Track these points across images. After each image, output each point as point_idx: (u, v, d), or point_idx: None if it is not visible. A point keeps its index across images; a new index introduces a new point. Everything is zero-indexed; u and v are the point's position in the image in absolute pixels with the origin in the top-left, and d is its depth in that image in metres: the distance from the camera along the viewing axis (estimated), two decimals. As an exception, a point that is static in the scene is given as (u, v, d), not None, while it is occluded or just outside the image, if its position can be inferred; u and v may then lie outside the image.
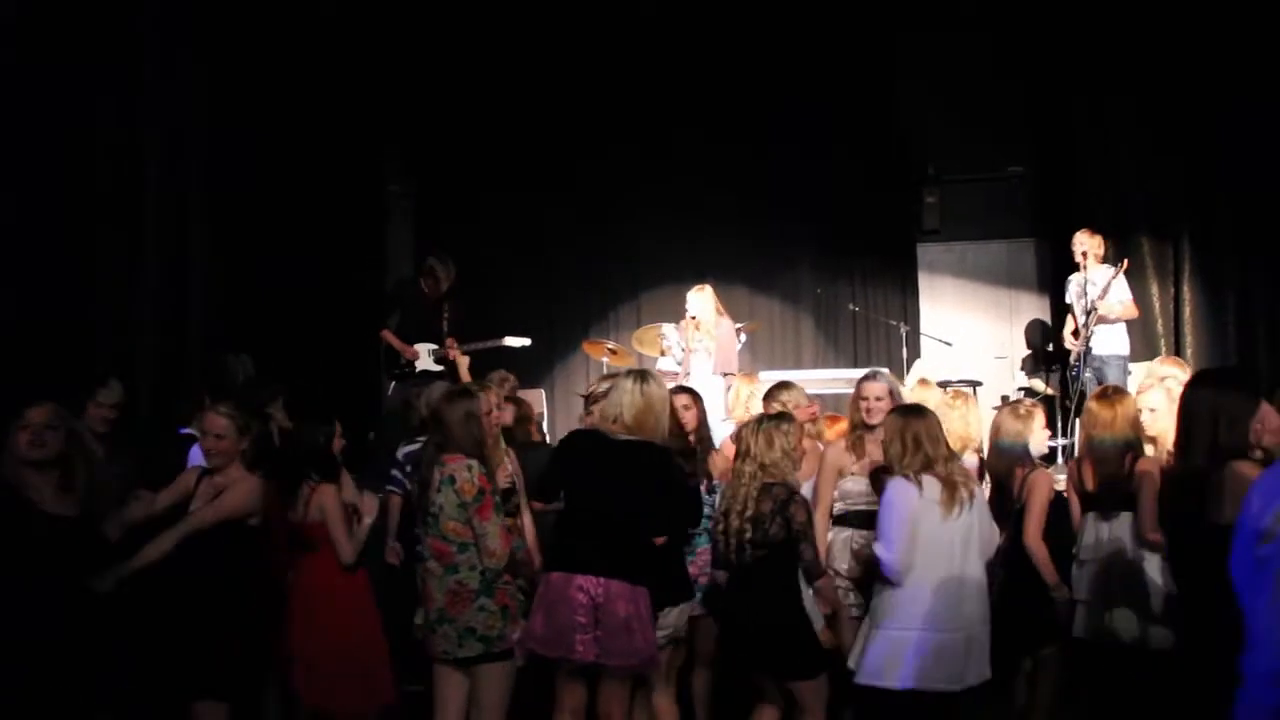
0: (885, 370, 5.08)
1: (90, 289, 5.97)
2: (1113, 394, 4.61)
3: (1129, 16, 8.16)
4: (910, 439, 4.05)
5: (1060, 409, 7.78)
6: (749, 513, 4.05)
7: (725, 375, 7.26)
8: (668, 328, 7.82)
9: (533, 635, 3.98)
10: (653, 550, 4.08)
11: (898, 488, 4.04)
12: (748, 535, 4.04)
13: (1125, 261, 7.50)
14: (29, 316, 5.48)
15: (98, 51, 5.95)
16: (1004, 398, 8.81)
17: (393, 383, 7.76)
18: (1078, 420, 7.16)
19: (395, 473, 5.21)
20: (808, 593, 4.14)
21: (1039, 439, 4.70)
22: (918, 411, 4.25)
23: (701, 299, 7.48)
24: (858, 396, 4.72)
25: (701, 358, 7.39)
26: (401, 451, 5.24)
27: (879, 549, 4.02)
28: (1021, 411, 4.69)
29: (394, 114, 9.47)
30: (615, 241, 9.98)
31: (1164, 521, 3.84)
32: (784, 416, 4.35)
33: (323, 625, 4.38)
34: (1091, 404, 4.61)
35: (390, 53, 9.02)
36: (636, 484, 3.97)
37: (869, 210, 9.64)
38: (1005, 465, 4.64)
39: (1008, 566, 4.43)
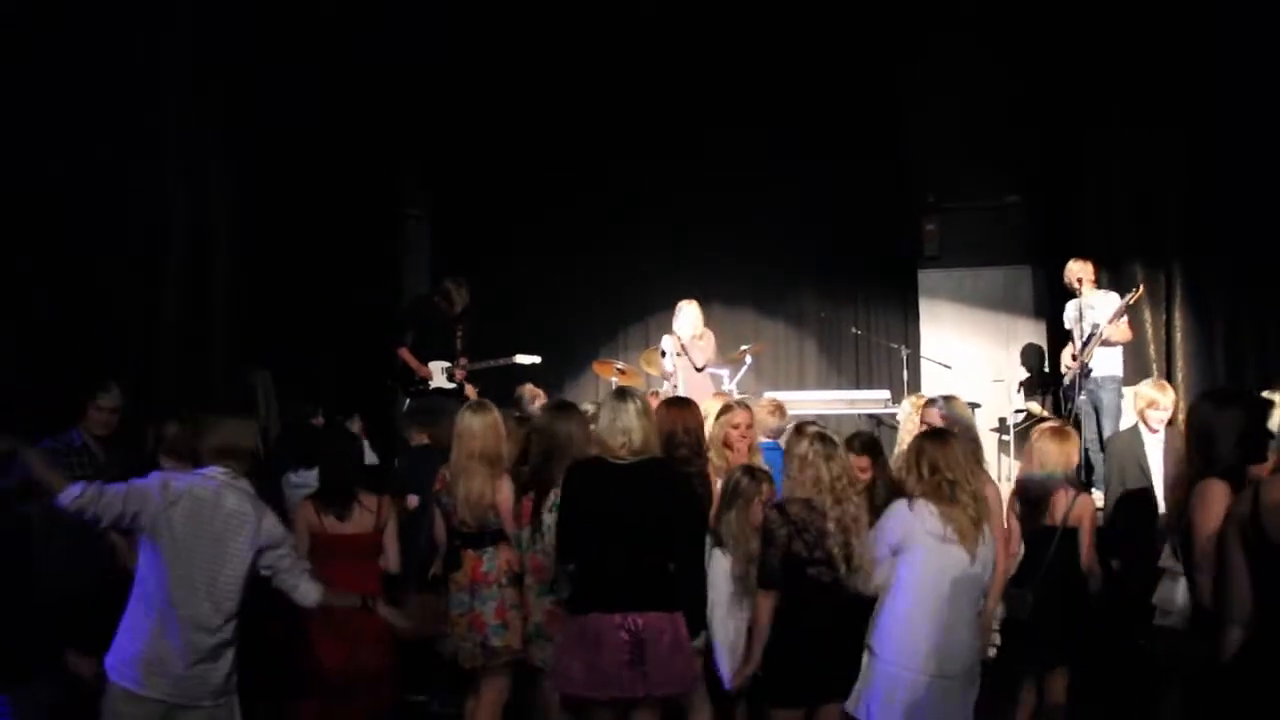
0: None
1: (116, 314, 6.22)
2: None
3: (1126, 50, 8.31)
4: (926, 465, 3.96)
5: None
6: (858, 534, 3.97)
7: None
8: (666, 340, 7.84)
9: (571, 679, 3.80)
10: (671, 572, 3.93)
11: (894, 510, 4.02)
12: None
13: (1140, 288, 7.65)
14: (55, 338, 5.68)
15: (119, 81, 6.22)
16: (1000, 419, 9.03)
17: (407, 399, 8.00)
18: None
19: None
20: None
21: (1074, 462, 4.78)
22: (937, 436, 4.15)
23: (693, 312, 7.68)
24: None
25: (689, 371, 7.59)
26: None
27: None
28: (1064, 435, 4.69)
29: (411, 139, 9.77)
30: (625, 265, 10.25)
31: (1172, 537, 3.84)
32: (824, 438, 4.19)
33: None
34: None
35: (407, 78, 9.32)
36: (658, 507, 3.84)
37: (871, 236, 9.89)
38: (1048, 489, 4.59)
39: (1044, 585, 4.44)
